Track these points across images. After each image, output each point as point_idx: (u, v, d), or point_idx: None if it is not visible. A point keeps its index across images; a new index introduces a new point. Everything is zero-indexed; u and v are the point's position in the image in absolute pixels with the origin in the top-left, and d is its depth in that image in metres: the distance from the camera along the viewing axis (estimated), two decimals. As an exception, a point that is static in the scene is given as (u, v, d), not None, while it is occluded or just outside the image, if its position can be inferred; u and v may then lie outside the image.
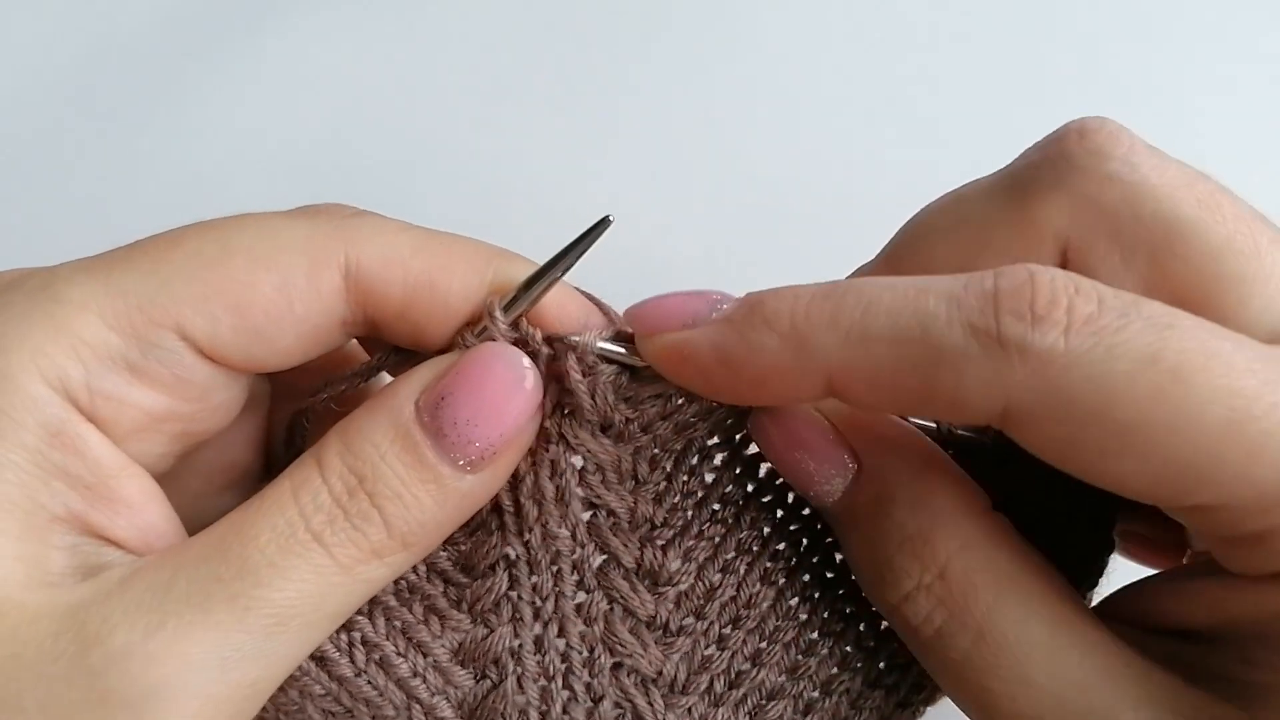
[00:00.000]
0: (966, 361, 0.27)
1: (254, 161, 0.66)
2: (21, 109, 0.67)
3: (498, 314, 0.32)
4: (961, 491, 0.32)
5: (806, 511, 0.36)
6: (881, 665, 0.37)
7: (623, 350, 0.33)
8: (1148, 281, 0.31)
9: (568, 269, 0.33)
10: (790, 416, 0.34)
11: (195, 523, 0.32)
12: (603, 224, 0.32)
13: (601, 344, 0.33)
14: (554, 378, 0.33)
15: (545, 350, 0.33)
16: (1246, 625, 0.30)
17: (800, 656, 0.37)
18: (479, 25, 0.70)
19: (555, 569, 0.36)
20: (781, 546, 0.36)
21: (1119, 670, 0.30)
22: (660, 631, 0.36)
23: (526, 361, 0.32)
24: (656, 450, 0.35)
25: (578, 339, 0.33)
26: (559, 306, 0.34)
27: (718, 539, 0.36)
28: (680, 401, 0.34)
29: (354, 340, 0.36)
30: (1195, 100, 0.66)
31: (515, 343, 0.33)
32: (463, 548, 0.35)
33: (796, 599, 0.37)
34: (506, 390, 0.32)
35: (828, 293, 0.29)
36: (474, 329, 0.33)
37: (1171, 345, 0.26)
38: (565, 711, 0.36)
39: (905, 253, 0.36)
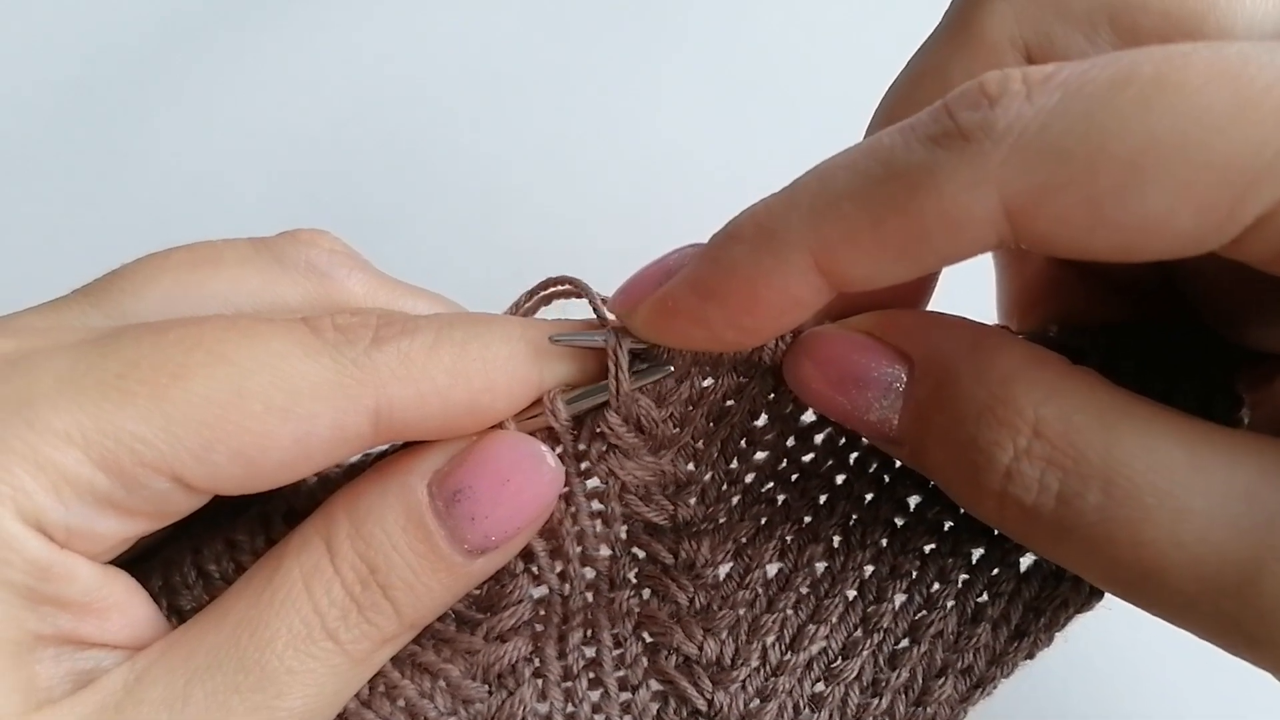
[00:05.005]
0: (938, 171, 0.24)
1: (254, 162, 0.66)
2: (21, 109, 0.67)
3: (560, 409, 0.31)
4: (1029, 350, 0.28)
5: (873, 468, 0.34)
6: (981, 597, 0.34)
7: (639, 362, 0.31)
8: (1121, 48, 0.28)
9: (639, 383, 0.31)
10: (821, 343, 0.31)
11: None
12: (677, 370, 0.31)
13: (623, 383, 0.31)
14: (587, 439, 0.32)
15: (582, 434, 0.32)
16: None
17: (872, 606, 0.34)
18: (479, 24, 0.70)
19: (593, 589, 0.34)
20: (839, 504, 0.34)
21: None
22: (702, 613, 0.34)
23: (546, 449, 0.30)
24: (699, 445, 0.33)
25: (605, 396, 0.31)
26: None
27: (764, 519, 0.34)
28: (706, 383, 0.32)
29: None
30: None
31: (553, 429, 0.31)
32: (478, 592, 0.33)
33: (860, 551, 0.34)
34: (529, 483, 0.30)
35: (785, 186, 0.27)
36: (520, 416, 0.31)
37: (1142, 62, 0.23)
38: (597, 710, 0.34)
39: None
